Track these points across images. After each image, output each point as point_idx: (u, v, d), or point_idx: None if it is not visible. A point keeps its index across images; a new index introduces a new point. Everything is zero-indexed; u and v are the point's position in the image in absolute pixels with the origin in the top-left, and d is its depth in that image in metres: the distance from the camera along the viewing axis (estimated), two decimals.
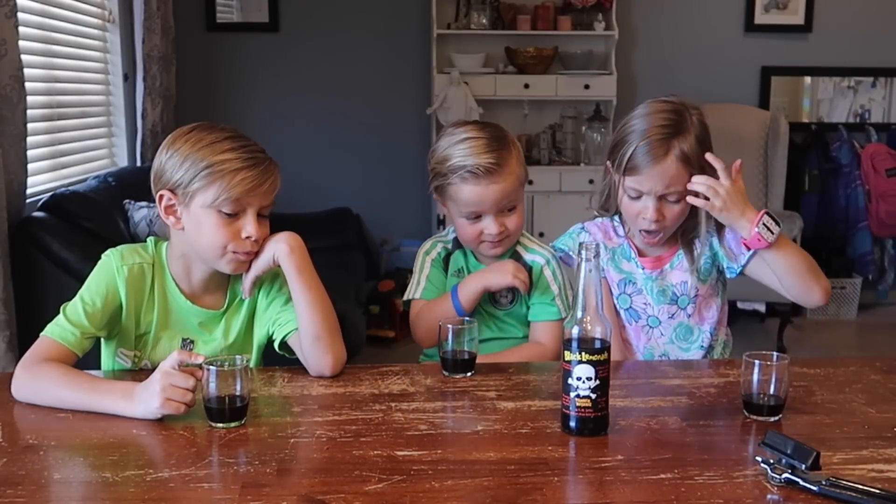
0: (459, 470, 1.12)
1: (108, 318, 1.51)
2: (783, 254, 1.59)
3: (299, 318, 1.51)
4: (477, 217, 1.70)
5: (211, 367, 1.26)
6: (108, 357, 1.59)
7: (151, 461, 1.15)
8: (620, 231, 1.77)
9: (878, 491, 1.02)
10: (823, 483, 1.03)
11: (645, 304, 1.74)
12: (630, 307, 1.75)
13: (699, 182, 1.57)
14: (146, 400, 1.30)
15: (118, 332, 1.56)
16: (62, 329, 1.46)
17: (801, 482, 1.04)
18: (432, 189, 1.76)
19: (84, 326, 1.47)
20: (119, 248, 1.57)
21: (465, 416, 1.36)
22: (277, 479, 1.10)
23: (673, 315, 1.73)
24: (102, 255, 1.56)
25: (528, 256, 1.79)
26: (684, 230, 1.72)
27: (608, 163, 1.72)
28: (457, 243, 1.82)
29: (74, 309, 1.48)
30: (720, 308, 1.77)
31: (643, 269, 1.73)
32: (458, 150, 1.69)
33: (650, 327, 1.75)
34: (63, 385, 1.37)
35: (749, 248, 1.61)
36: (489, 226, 1.70)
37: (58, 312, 1.49)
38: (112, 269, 1.52)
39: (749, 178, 4.52)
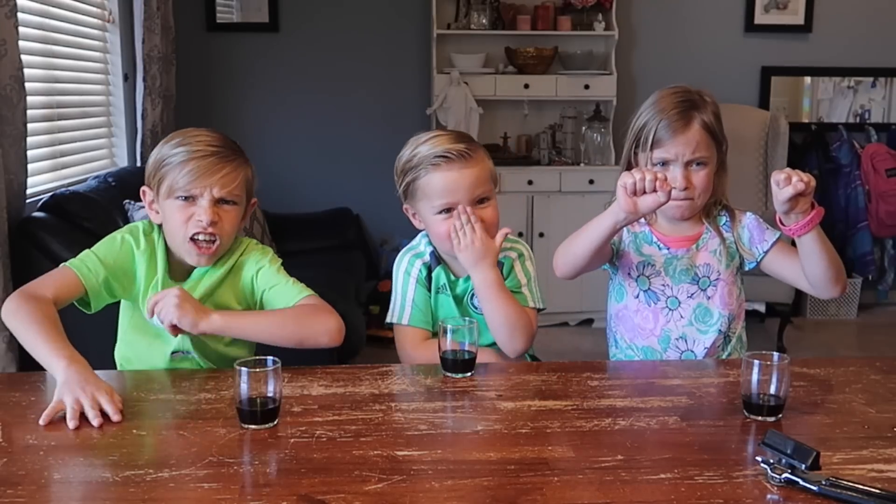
0: (459, 470, 1.12)
1: (118, 275, 1.62)
2: (822, 238, 1.60)
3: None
4: (449, 210, 1.69)
5: (243, 368, 1.25)
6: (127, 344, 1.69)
7: (151, 461, 1.15)
8: (642, 219, 1.78)
9: (877, 491, 1.02)
10: (823, 483, 1.04)
11: (663, 285, 1.77)
12: (648, 289, 1.78)
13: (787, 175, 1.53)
14: (71, 388, 1.32)
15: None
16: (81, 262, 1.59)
17: (801, 482, 1.05)
18: (401, 194, 1.75)
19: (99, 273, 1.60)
20: (143, 224, 1.69)
21: (465, 416, 1.36)
22: (277, 479, 1.10)
23: (692, 295, 1.77)
24: (128, 229, 1.67)
25: (501, 255, 1.76)
26: (709, 211, 1.79)
27: (630, 154, 1.78)
28: (436, 259, 1.78)
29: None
30: (738, 299, 1.80)
31: (669, 248, 1.77)
32: (426, 145, 1.71)
33: (669, 309, 1.77)
34: (34, 314, 1.46)
35: (796, 234, 1.58)
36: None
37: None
38: (133, 245, 1.64)
39: (749, 178, 4.53)
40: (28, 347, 1.46)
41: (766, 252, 1.76)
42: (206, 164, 1.58)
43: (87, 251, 1.63)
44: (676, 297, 1.77)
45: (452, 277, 1.78)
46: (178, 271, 1.66)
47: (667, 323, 1.77)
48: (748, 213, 1.82)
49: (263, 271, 1.67)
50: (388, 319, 1.78)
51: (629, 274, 1.79)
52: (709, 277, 1.77)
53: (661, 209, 1.75)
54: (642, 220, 1.78)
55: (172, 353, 1.63)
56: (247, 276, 1.67)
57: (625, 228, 1.72)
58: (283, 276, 1.68)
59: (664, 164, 1.72)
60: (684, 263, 1.77)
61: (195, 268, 1.65)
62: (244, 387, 1.25)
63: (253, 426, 1.25)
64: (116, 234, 1.67)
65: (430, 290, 1.78)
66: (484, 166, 1.71)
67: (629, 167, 1.77)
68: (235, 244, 1.70)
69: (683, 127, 1.70)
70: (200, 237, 1.59)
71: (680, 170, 1.70)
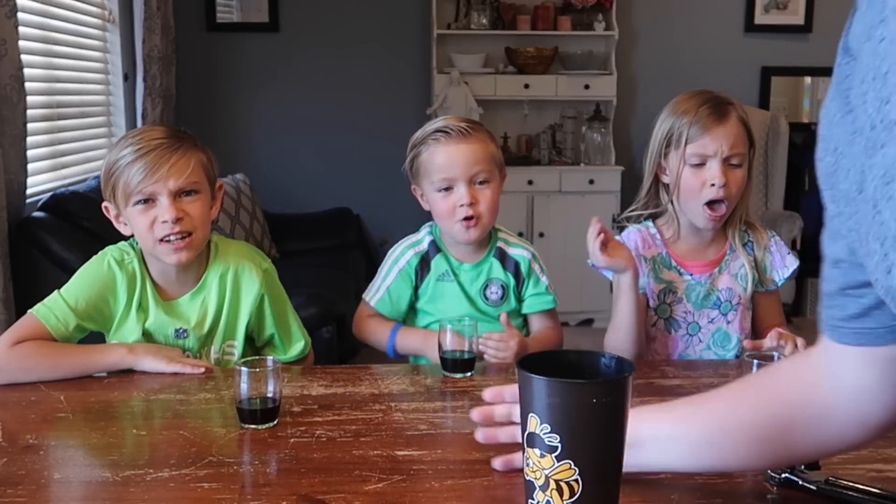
0: (459, 470, 1.12)
1: (92, 316, 1.56)
2: None
3: None
4: (449, 188, 1.71)
5: (243, 367, 1.25)
6: None
7: (151, 461, 1.15)
8: (658, 240, 1.74)
9: (877, 490, 1.02)
10: (822, 482, 1.03)
11: (685, 311, 1.71)
12: (670, 316, 1.72)
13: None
14: (155, 353, 1.49)
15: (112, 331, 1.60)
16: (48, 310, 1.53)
17: (800, 481, 1.04)
18: (408, 172, 1.77)
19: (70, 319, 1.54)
20: (119, 250, 1.61)
21: (465, 416, 1.35)
22: (277, 479, 1.10)
23: (712, 320, 1.72)
24: (102, 258, 1.60)
25: (512, 251, 1.80)
26: (732, 225, 1.72)
27: (655, 160, 1.70)
28: (435, 247, 1.80)
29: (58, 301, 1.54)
30: (749, 318, 1.76)
31: (691, 274, 1.70)
32: (432, 124, 1.75)
33: (689, 335, 1.72)
34: (50, 351, 1.48)
35: None
36: (461, 195, 1.69)
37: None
38: (113, 273, 1.57)
39: None
40: (66, 370, 1.46)
41: (786, 278, 1.71)
42: (153, 158, 1.49)
43: (56, 296, 1.54)
44: (697, 323, 1.72)
45: (456, 263, 1.79)
46: (170, 289, 1.61)
47: (685, 348, 1.73)
48: (770, 234, 1.75)
49: (270, 306, 1.64)
50: (363, 295, 1.82)
51: (648, 304, 1.71)
52: (730, 302, 1.71)
53: (691, 220, 1.68)
54: (658, 241, 1.73)
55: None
56: (248, 299, 1.62)
57: (641, 258, 1.68)
58: (287, 314, 1.68)
59: (700, 163, 1.62)
60: (706, 289, 1.71)
61: (185, 287, 1.60)
62: (244, 387, 1.25)
63: (253, 426, 1.25)
64: (95, 269, 1.58)
65: (420, 281, 1.79)
66: (485, 147, 1.71)
67: (656, 177, 1.71)
68: (222, 248, 1.65)
69: (721, 119, 1.61)
70: (172, 238, 1.51)
71: (718, 166, 1.60)
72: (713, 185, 1.61)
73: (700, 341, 1.72)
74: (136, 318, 1.58)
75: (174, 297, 1.61)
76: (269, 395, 1.26)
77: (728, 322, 1.71)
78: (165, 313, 1.59)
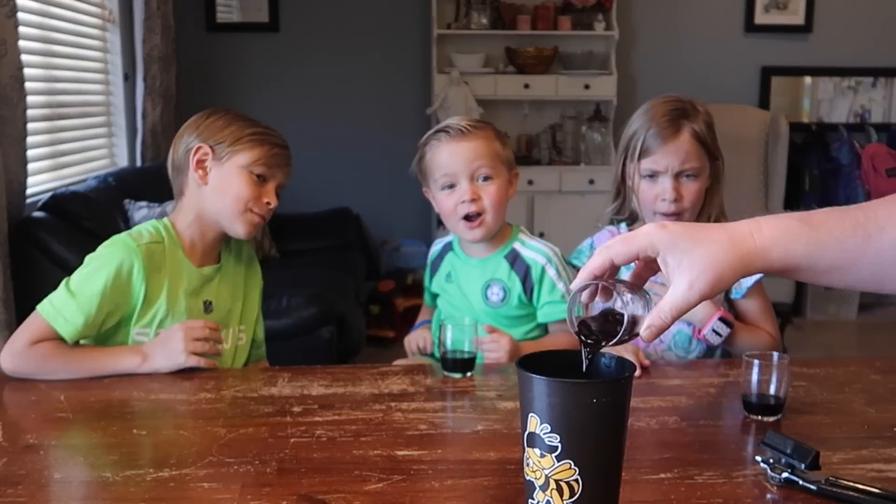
0: (459, 470, 1.12)
1: (106, 314, 1.52)
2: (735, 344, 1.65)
3: None
4: (452, 186, 1.72)
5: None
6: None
7: (151, 461, 1.15)
8: None
9: (877, 490, 1.02)
10: (823, 482, 1.04)
11: None
12: None
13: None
14: (168, 353, 1.47)
15: (128, 318, 1.56)
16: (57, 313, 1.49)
17: (801, 482, 1.05)
18: (417, 175, 1.80)
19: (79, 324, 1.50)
20: (128, 235, 1.58)
21: (465, 416, 1.36)
22: (277, 478, 1.10)
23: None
24: (112, 248, 1.54)
25: (526, 253, 1.77)
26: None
27: (620, 164, 1.74)
28: (450, 246, 1.85)
29: (70, 303, 1.49)
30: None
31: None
32: (437, 126, 1.79)
33: None
34: (67, 355, 1.48)
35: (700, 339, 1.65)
36: (463, 191, 1.71)
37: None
38: (130, 259, 1.52)
39: (749, 179, 4.53)
40: (81, 374, 1.47)
41: (749, 287, 1.69)
42: (286, 154, 1.74)
43: (65, 294, 1.49)
44: None
45: (465, 258, 1.80)
46: (204, 256, 1.63)
47: (646, 347, 1.69)
48: None
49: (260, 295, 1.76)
50: None
51: None
52: None
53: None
54: None
55: None
56: (257, 285, 1.75)
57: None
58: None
59: (653, 175, 1.66)
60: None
61: (219, 251, 1.67)
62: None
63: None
64: (108, 263, 1.52)
65: (433, 275, 1.87)
66: (487, 144, 1.73)
67: (623, 178, 1.74)
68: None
69: (672, 136, 1.63)
70: (258, 220, 1.63)
71: (669, 181, 1.64)
72: (664, 199, 1.64)
73: (661, 341, 1.71)
74: (162, 303, 1.54)
75: (207, 264, 1.64)
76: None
77: (689, 324, 1.67)
78: (197, 289, 1.61)
